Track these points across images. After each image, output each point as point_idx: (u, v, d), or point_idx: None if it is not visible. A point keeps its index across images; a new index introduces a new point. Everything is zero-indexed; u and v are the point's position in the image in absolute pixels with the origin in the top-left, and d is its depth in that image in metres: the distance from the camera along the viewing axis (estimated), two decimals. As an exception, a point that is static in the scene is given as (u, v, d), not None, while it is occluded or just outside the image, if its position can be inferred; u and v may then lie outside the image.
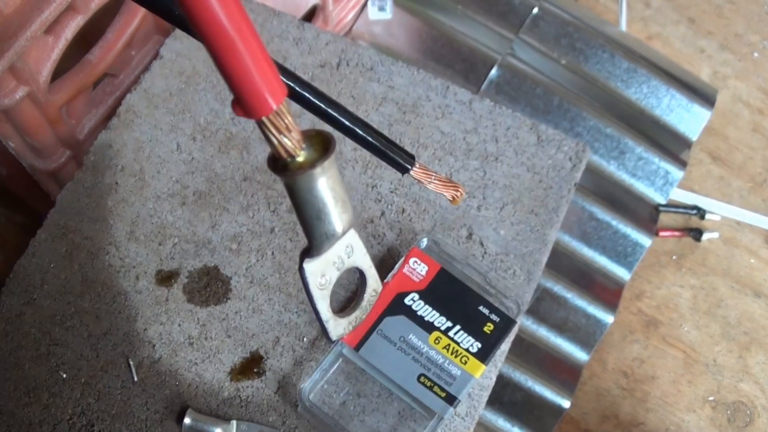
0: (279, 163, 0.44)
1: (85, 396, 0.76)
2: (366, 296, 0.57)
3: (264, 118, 0.41)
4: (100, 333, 0.79)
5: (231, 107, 0.41)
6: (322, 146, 0.45)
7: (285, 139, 0.42)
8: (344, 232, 0.50)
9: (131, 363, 0.78)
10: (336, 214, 0.48)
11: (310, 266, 0.50)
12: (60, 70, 0.87)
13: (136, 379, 0.77)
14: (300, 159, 0.44)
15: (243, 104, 0.40)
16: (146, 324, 0.79)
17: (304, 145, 0.44)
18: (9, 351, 0.78)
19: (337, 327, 0.56)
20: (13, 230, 1.11)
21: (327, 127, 0.87)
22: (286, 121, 0.41)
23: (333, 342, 0.71)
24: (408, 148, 0.88)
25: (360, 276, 0.56)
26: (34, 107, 0.85)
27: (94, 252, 0.83)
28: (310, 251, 0.50)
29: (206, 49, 0.37)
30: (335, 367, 0.75)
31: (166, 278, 0.82)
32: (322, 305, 0.53)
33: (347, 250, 0.52)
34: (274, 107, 0.40)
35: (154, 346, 0.79)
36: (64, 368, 0.78)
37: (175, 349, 0.79)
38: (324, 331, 0.55)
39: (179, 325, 0.80)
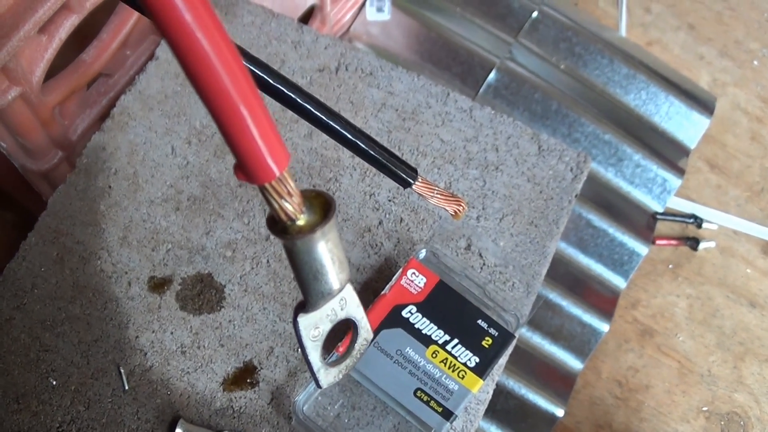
0: (278, 226, 0.44)
1: (75, 404, 0.75)
2: (357, 345, 0.58)
3: (266, 184, 0.40)
4: (91, 340, 0.78)
5: (233, 171, 0.40)
6: (322, 209, 0.44)
7: (286, 204, 0.42)
8: (340, 290, 0.50)
9: (122, 371, 0.76)
10: (333, 274, 0.48)
11: (304, 320, 0.51)
12: (53, 70, 0.85)
13: (127, 387, 0.76)
14: (300, 222, 0.43)
15: (245, 170, 0.39)
16: (138, 331, 0.78)
17: (304, 209, 0.43)
18: (-3, 357, 0.77)
19: (328, 376, 0.56)
20: (4, 229, 1.09)
21: (325, 138, 0.86)
22: (288, 186, 0.41)
23: (322, 389, 0.71)
24: (407, 156, 0.87)
25: (352, 325, 0.56)
26: (26, 107, 0.83)
27: (85, 257, 0.81)
28: (305, 306, 0.50)
29: (210, 114, 0.36)
30: (330, 379, 0.74)
31: (158, 285, 0.80)
32: (314, 356, 0.53)
33: (341, 303, 0.52)
34: (278, 174, 0.39)
35: (146, 354, 0.77)
36: (54, 375, 0.76)
37: (167, 358, 0.77)
38: (315, 379, 0.56)
39: (172, 333, 0.78)
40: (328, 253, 0.46)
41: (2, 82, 0.79)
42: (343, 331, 0.58)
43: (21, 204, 1.07)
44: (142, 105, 0.89)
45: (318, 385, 0.56)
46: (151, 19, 0.32)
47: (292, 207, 0.42)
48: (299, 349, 0.60)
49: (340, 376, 0.58)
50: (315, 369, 0.55)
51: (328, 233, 0.45)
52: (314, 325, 0.51)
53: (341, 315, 0.53)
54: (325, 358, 0.56)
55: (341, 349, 0.67)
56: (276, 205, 0.42)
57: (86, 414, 0.75)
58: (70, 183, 0.85)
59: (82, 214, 0.83)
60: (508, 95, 1.45)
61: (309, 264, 0.46)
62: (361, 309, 0.55)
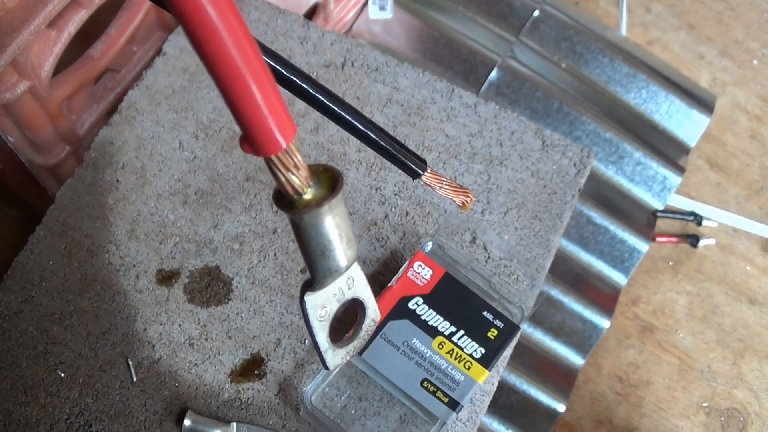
0: (285, 200, 0.43)
1: (83, 396, 0.76)
2: (364, 326, 0.57)
3: (273, 156, 0.40)
4: (99, 332, 0.78)
5: (239, 143, 0.40)
6: (329, 183, 0.44)
7: (293, 177, 0.41)
8: (347, 268, 0.49)
9: (130, 363, 0.77)
10: (341, 251, 0.48)
11: (311, 299, 0.50)
12: (61, 65, 0.85)
13: (135, 379, 0.76)
14: (307, 196, 0.43)
15: (252, 142, 0.39)
16: (146, 324, 0.79)
17: (311, 182, 0.43)
18: (6, 349, 0.77)
19: (335, 357, 0.56)
20: (8, 225, 1.10)
21: (334, 131, 0.86)
22: (295, 159, 0.41)
23: (330, 371, 0.71)
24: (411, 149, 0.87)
25: (360, 306, 0.56)
26: (34, 102, 0.84)
27: (93, 250, 0.82)
28: (312, 284, 0.49)
29: (215, 85, 0.36)
30: (337, 370, 0.75)
31: (166, 278, 0.81)
32: (321, 336, 0.53)
33: (348, 282, 0.52)
34: (284, 146, 0.39)
35: (154, 346, 0.78)
36: (62, 367, 0.77)
37: (175, 350, 0.78)
38: (322, 360, 0.55)
39: (179, 325, 0.79)
40: (335, 228, 0.46)
41: (11, 76, 0.79)
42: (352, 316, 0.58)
43: (26, 200, 1.07)
44: (149, 100, 0.90)
45: (325, 366, 0.55)
46: None
47: (299, 180, 0.42)
48: (306, 330, 0.60)
49: (348, 358, 0.57)
50: (322, 350, 0.54)
51: (336, 208, 0.45)
52: (321, 305, 0.51)
53: (348, 294, 0.53)
54: (333, 341, 0.55)
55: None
56: (282, 178, 0.41)
57: (94, 406, 0.75)
58: (78, 177, 0.85)
59: (90, 208, 0.84)
60: (510, 93, 1.46)
61: (316, 239, 0.46)
62: (368, 289, 0.55)
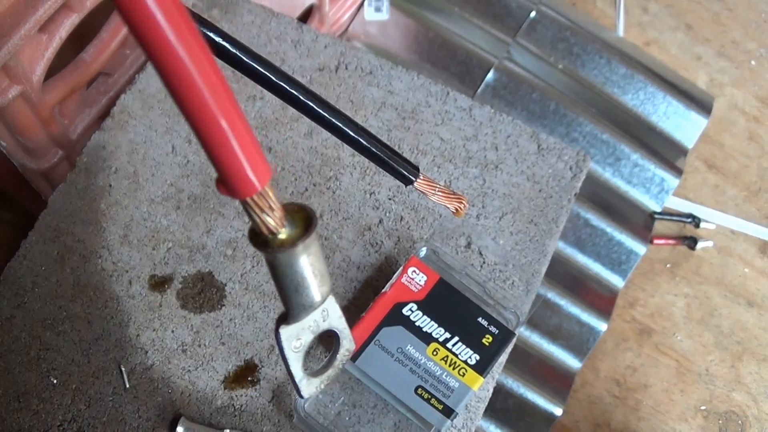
0: (260, 239, 0.44)
1: (76, 402, 0.75)
2: (339, 356, 0.58)
3: (248, 199, 0.40)
4: (92, 338, 0.78)
5: (215, 185, 0.40)
6: (303, 223, 0.45)
7: (267, 218, 0.42)
8: (321, 302, 0.50)
9: (123, 369, 0.76)
10: (315, 288, 0.49)
11: (285, 331, 0.51)
12: (53, 69, 0.85)
13: (128, 385, 0.76)
14: (282, 236, 0.44)
15: (227, 185, 0.39)
16: (139, 330, 0.78)
17: (285, 222, 0.43)
18: (-2, 356, 0.77)
19: (310, 386, 0.57)
20: (3, 228, 1.09)
21: (327, 135, 0.86)
22: (270, 201, 0.41)
23: (304, 399, 0.71)
24: (407, 155, 0.87)
25: (335, 336, 0.56)
26: (26, 106, 0.83)
27: (86, 255, 0.81)
28: (286, 318, 0.50)
29: (191, 129, 0.36)
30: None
31: (159, 283, 0.80)
32: (296, 366, 0.54)
33: (323, 314, 0.53)
34: (259, 189, 0.39)
35: (147, 352, 0.77)
36: (55, 374, 0.76)
37: (168, 356, 0.77)
38: (296, 389, 0.56)
39: (172, 331, 0.78)
40: (309, 266, 0.47)
41: (2, 80, 0.79)
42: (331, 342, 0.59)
43: (20, 204, 1.07)
44: (142, 104, 0.89)
45: (300, 395, 0.56)
46: (130, 32, 0.32)
47: (273, 221, 0.42)
48: (281, 360, 0.61)
49: (322, 387, 0.58)
50: (297, 379, 0.55)
51: (310, 247, 0.45)
52: (296, 336, 0.52)
53: (323, 326, 0.54)
54: (307, 370, 0.56)
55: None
56: (257, 219, 0.42)
57: (87, 412, 0.75)
58: (71, 182, 0.85)
59: (83, 213, 0.83)
60: (507, 95, 1.46)
61: (290, 277, 0.47)
62: (343, 320, 0.56)
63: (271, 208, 0.41)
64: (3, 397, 0.75)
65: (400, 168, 0.58)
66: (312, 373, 0.57)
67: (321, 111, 0.54)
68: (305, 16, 1.34)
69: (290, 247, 0.44)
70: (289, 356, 0.53)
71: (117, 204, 0.84)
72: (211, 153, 0.37)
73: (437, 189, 0.61)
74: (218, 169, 0.38)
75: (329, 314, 0.53)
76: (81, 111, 0.95)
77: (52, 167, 0.94)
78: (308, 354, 0.55)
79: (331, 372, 0.59)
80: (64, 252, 0.81)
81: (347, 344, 0.58)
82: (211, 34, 0.47)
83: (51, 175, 0.96)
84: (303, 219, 0.45)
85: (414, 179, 0.59)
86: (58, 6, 0.77)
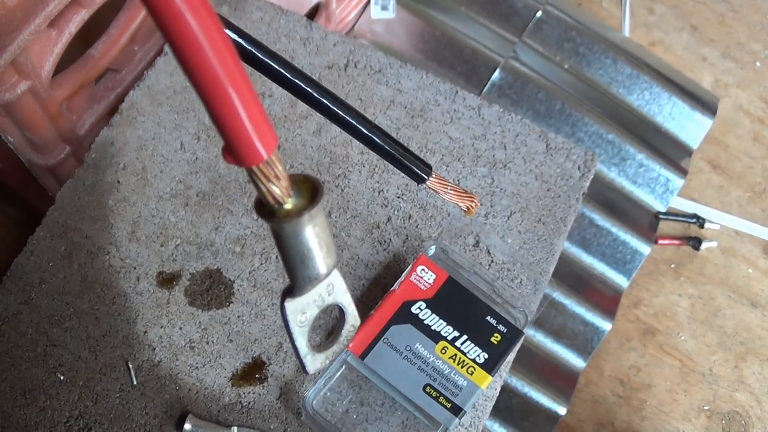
0: (266, 209, 0.44)
1: (83, 399, 0.75)
2: (344, 332, 0.58)
3: (254, 167, 0.40)
4: (99, 335, 0.78)
5: (221, 154, 0.40)
6: (309, 193, 0.45)
7: (274, 187, 0.42)
8: (327, 275, 0.50)
9: (130, 366, 0.76)
10: (320, 259, 0.49)
11: (290, 305, 0.51)
12: (61, 65, 0.85)
13: (135, 382, 0.76)
14: (287, 206, 0.44)
15: (233, 153, 0.39)
16: (146, 326, 0.78)
17: (292, 192, 0.43)
18: (5, 351, 0.76)
19: (315, 361, 0.57)
20: (7, 225, 1.09)
21: (336, 132, 0.86)
22: (276, 170, 0.41)
23: (309, 375, 0.71)
24: (415, 153, 0.87)
25: (339, 312, 0.56)
26: (35, 102, 0.83)
27: (94, 252, 0.81)
28: (292, 291, 0.50)
29: (197, 95, 0.36)
30: (339, 374, 0.74)
31: (167, 280, 0.80)
32: (301, 341, 0.54)
33: (328, 289, 0.53)
34: (266, 157, 0.39)
35: (154, 349, 0.77)
36: (62, 370, 0.76)
37: (175, 353, 0.77)
38: (301, 364, 0.56)
39: (180, 328, 0.78)
40: (315, 237, 0.46)
41: (12, 76, 0.78)
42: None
43: (26, 200, 1.07)
44: (150, 100, 0.89)
45: (305, 371, 0.56)
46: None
47: (279, 190, 0.42)
48: (286, 335, 0.60)
49: (327, 362, 0.58)
50: (302, 354, 0.55)
51: (316, 217, 0.45)
52: (301, 311, 0.52)
53: (328, 300, 0.53)
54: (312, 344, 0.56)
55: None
56: (263, 188, 0.42)
57: (94, 409, 0.75)
58: (79, 178, 0.85)
59: (91, 209, 0.83)
60: (512, 94, 1.45)
61: (296, 248, 0.46)
62: (348, 295, 0.55)
63: (277, 177, 0.41)
64: (10, 393, 0.75)
65: (412, 166, 0.58)
66: (317, 348, 0.57)
67: (335, 108, 0.54)
68: (312, 14, 1.34)
69: (296, 216, 0.44)
70: (295, 331, 0.53)
71: (125, 200, 0.84)
72: (218, 120, 0.37)
73: (449, 187, 0.61)
74: (225, 137, 0.38)
75: (334, 288, 0.53)
76: (89, 107, 0.95)
77: (59, 163, 0.94)
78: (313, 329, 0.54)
79: (336, 348, 0.59)
80: (72, 248, 0.81)
81: (352, 320, 0.58)
82: (227, 31, 0.47)
83: (58, 171, 0.96)
84: (309, 189, 0.45)
85: (427, 177, 0.59)
86: (67, 2, 0.77)
